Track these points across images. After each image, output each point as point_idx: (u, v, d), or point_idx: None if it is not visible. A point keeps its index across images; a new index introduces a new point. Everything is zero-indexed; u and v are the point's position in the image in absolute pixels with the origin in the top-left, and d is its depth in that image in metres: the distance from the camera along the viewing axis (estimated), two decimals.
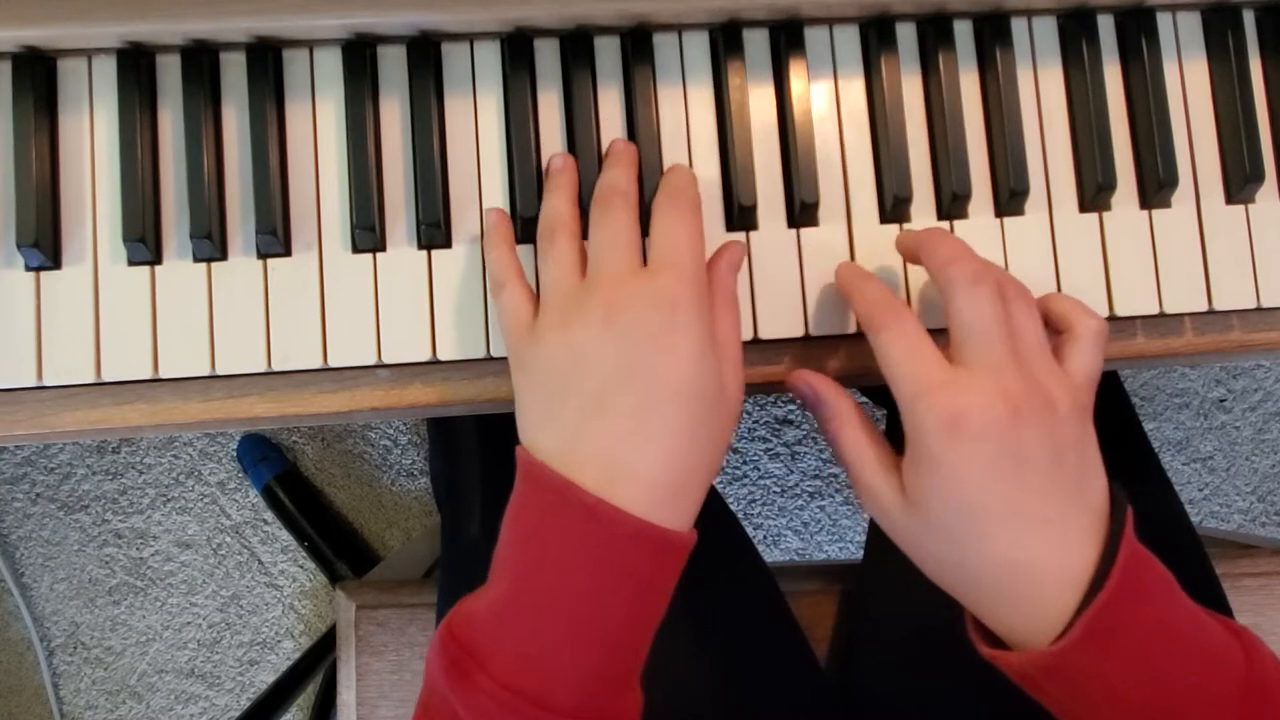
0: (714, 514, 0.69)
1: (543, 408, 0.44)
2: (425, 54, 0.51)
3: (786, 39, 0.52)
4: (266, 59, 0.50)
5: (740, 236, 0.51)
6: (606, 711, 0.42)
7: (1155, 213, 0.52)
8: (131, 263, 0.50)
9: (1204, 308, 0.52)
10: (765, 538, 1.31)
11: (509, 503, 0.44)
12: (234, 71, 0.51)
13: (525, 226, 0.50)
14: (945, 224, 0.52)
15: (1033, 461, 0.41)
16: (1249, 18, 0.53)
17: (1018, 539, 0.41)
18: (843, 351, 0.52)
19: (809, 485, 1.31)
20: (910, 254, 0.49)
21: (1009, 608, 0.42)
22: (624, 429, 0.42)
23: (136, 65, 0.50)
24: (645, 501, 0.41)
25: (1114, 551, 0.41)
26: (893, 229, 0.52)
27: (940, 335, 0.45)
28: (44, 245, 0.49)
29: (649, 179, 0.50)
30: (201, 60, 0.50)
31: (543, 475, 0.42)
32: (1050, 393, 0.42)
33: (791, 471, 1.31)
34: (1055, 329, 0.46)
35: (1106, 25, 0.53)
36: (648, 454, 0.42)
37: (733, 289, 0.48)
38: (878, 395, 1.03)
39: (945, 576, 0.44)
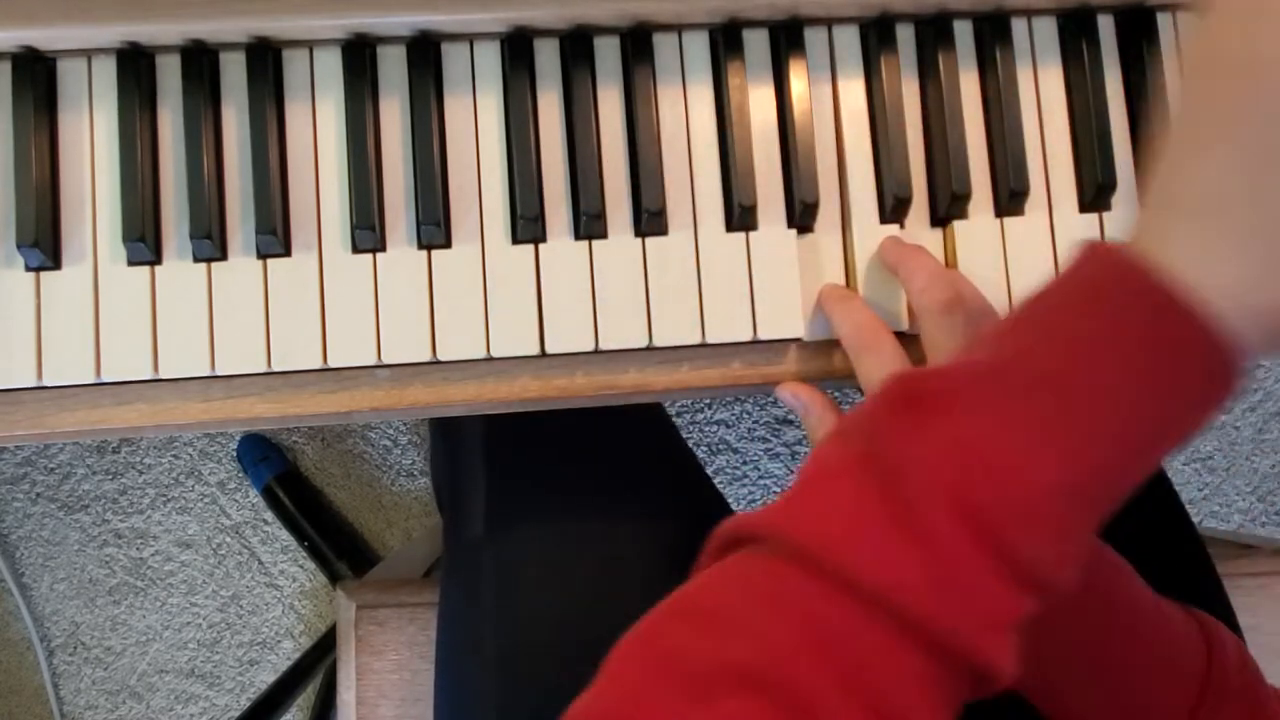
0: (715, 514, 0.69)
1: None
2: (425, 54, 0.51)
3: (786, 39, 0.52)
4: (266, 59, 0.50)
5: (740, 237, 0.51)
6: (1059, 531, 0.34)
7: None
8: (131, 263, 0.49)
9: None
10: None
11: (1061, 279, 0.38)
12: (234, 71, 0.51)
13: (526, 228, 0.50)
14: (941, 229, 0.52)
15: None
16: None
17: None
18: (842, 351, 0.52)
19: None
20: (891, 267, 0.51)
21: None
22: (1206, 237, 0.34)
23: (136, 65, 0.50)
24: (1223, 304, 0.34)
25: None
26: (893, 229, 0.52)
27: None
28: (44, 245, 0.48)
29: (649, 180, 0.50)
30: (201, 60, 0.50)
31: (1114, 252, 0.36)
32: None
33: (791, 471, 1.31)
34: None
35: (1106, 25, 0.53)
36: (1222, 263, 0.34)
37: None
38: None
39: None
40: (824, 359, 0.52)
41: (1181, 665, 0.43)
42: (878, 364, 0.46)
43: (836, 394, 1.23)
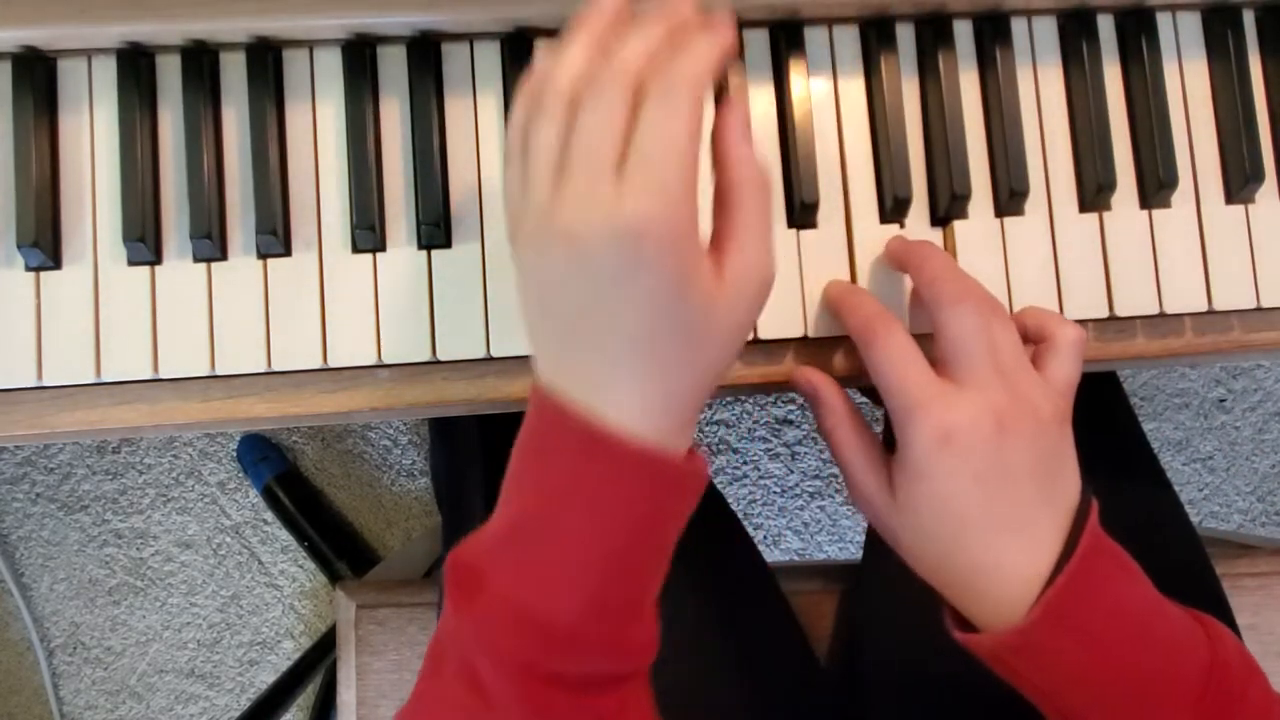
0: (714, 513, 0.69)
1: (530, 322, 0.42)
2: (425, 54, 0.51)
3: (786, 39, 0.52)
4: (266, 59, 0.50)
5: None
6: (610, 639, 0.40)
7: (1155, 213, 0.52)
8: (131, 263, 0.50)
9: (1204, 308, 0.52)
10: (765, 538, 1.31)
11: (520, 430, 0.42)
12: (234, 71, 0.51)
13: None
14: (941, 229, 0.52)
15: (1014, 473, 0.44)
16: (1249, 18, 0.53)
17: (994, 544, 0.44)
18: (842, 351, 0.52)
19: (809, 485, 1.31)
20: (898, 265, 0.50)
21: (982, 601, 0.44)
22: (597, 365, 0.39)
23: (136, 65, 0.50)
24: (636, 425, 0.39)
25: (1075, 540, 0.43)
26: (893, 229, 0.52)
27: (928, 339, 0.45)
28: (44, 245, 0.49)
29: None
30: (201, 60, 0.50)
31: (544, 399, 0.40)
32: (1034, 403, 0.44)
33: (791, 471, 1.31)
34: (1033, 339, 0.48)
35: (1106, 25, 0.53)
36: (624, 391, 0.39)
37: (751, 158, 0.40)
38: (876, 395, 1.03)
39: (924, 570, 0.46)
40: (824, 360, 0.52)
41: (1184, 664, 0.43)
42: (891, 356, 0.45)
43: None
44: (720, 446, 1.30)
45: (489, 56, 0.51)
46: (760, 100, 0.52)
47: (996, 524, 0.43)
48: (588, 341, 0.39)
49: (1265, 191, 0.53)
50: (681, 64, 0.38)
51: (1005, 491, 0.43)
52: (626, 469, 0.39)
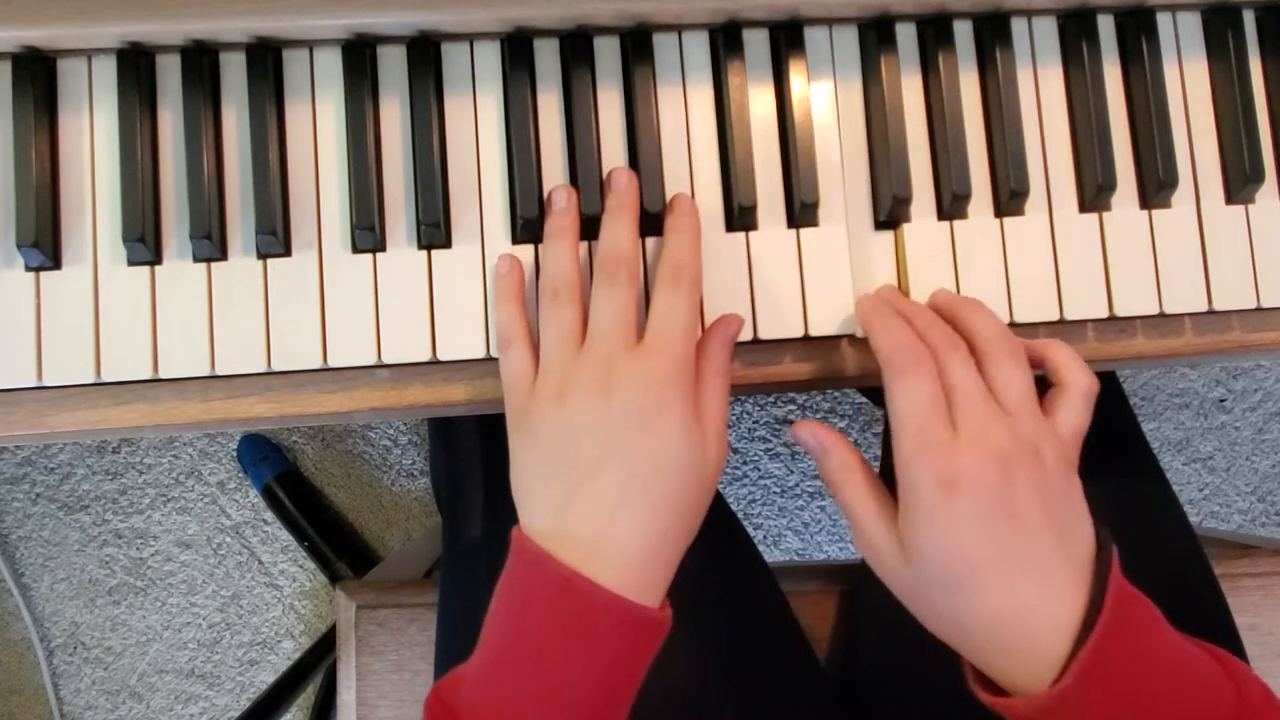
0: (715, 513, 0.69)
1: (538, 478, 0.46)
2: (425, 54, 0.51)
3: (786, 39, 0.52)
4: (266, 59, 0.50)
5: (740, 237, 0.51)
6: None
7: (1155, 213, 0.52)
8: (131, 263, 0.50)
9: (1204, 308, 0.52)
10: (765, 538, 1.31)
11: (501, 574, 0.46)
12: (234, 71, 0.51)
13: (526, 228, 0.50)
14: (945, 224, 0.52)
15: (1021, 515, 0.43)
16: (1249, 18, 0.53)
17: (1008, 589, 0.42)
18: (841, 351, 0.52)
19: (809, 485, 1.31)
20: (945, 312, 0.50)
21: (1004, 655, 0.43)
22: (610, 500, 0.44)
23: (136, 65, 0.50)
24: (621, 576, 0.43)
25: (1102, 592, 0.42)
26: (892, 229, 0.52)
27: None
28: (44, 245, 0.49)
29: (650, 180, 0.50)
30: (201, 60, 0.50)
31: (526, 547, 0.44)
32: (1038, 448, 0.44)
33: (791, 471, 1.31)
34: (1050, 378, 0.47)
35: (1106, 25, 0.53)
36: (631, 525, 0.44)
37: (724, 364, 0.49)
38: (876, 395, 1.03)
39: (941, 626, 0.45)
40: (823, 359, 0.52)
41: (1213, 708, 0.42)
42: (914, 394, 0.44)
43: (836, 394, 1.23)
44: None
45: (489, 56, 0.51)
46: (760, 100, 0.52)
47: (1010, 567, 0.42)
48: (602, 484, 0.44)
49: (1265, 192, 0.53)
50: (676, 252, 0.48)
51: (1016, 535, 0.42)
52: (603, 619, 0.43)
